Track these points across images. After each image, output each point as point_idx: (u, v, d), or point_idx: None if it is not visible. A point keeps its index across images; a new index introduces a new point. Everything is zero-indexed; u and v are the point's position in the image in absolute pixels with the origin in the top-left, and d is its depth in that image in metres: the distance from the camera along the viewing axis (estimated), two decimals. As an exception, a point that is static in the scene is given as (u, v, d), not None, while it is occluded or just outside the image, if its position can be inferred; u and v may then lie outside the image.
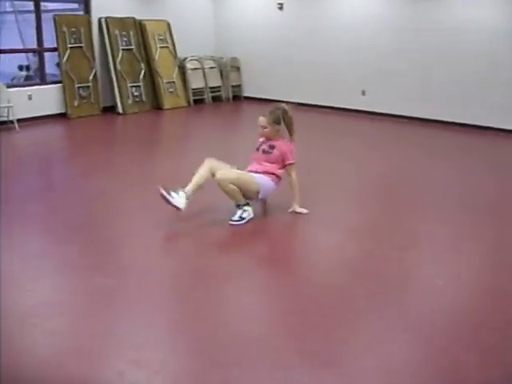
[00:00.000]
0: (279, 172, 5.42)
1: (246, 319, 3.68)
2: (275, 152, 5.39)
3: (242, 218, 5.21)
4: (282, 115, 5.43)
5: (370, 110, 11.44)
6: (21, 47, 14.43)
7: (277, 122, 5.42)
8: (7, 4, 15.50)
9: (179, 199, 5.03)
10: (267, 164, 5.37)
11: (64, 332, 3.46)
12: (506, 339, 3.41)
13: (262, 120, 5.43)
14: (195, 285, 4.09)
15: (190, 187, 5.13)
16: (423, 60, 10.55)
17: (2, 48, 11.86)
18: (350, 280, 4.23)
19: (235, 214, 5.22)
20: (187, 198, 5.07)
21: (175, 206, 5.02)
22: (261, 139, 5.57)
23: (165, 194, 5.00)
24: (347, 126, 10.61)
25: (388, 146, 8.95)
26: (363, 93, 11.51)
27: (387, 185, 6.82)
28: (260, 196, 5.35)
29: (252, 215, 5.30)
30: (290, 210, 5.48)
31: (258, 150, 5.52)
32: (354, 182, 6.87)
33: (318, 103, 12.20)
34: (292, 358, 3.17)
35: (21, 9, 14.92)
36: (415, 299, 3.98)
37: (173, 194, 5.04)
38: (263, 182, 5.32)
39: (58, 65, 10.91)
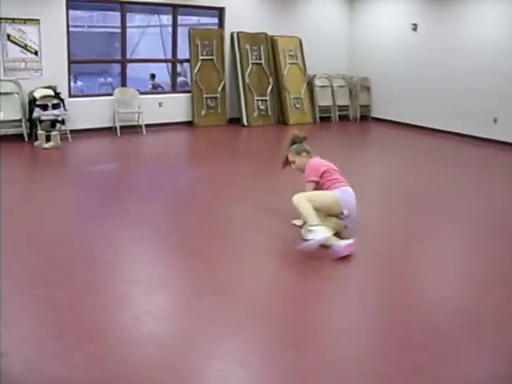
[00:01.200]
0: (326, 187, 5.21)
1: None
2: None
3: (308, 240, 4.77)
4: (297, 141, 5.50)
5: (502, 139, 10.82)
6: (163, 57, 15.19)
7: (298, 152, 5.45)
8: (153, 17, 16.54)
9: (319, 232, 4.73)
10: None
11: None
12: None
13: (289, 157, 5.49)
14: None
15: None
16: None
17: (142, 58, 12.53)
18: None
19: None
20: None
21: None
22: None
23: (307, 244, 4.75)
24: (473, 156, 10.04)
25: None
26: (495, 120, 10.92)
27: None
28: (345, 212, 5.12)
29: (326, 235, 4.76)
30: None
31: None
32: (473, 224, 6.29)
33: (447, 129, 11.74)
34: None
35: (165, 23, 15.78)
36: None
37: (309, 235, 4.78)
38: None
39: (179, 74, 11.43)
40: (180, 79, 12.69)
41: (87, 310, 3.66)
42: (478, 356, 3.43)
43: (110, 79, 16.20)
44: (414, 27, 12.18)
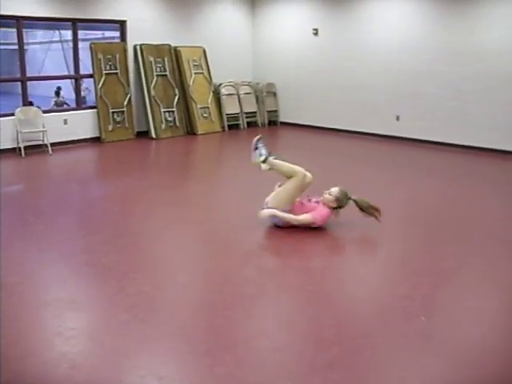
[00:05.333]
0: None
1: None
2: None
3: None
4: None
5: (404, 135, 11.27)
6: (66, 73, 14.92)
7: None
8: (55, 33, 16.20)
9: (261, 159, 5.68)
10: None
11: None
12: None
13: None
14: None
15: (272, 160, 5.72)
16: (459, 84, 10.35)
17: (47, 75, 12.26)
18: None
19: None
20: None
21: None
22: None
23: (255, 145, 5.79)
24: (380, 153, 10.41)
25: (429, 175, 8.64)
26: (397, 118, 11.36)
27: (426, 218, 6.43)
28: None
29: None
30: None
31: None
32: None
33: (353, 129, 12.12)
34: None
35: (67, 38, 15.51)
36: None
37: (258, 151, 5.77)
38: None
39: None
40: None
41: (-6, 338, 3.57)
42: (388, 344, 3.58)
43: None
44: (315, 32, 12.50)
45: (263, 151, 5.71)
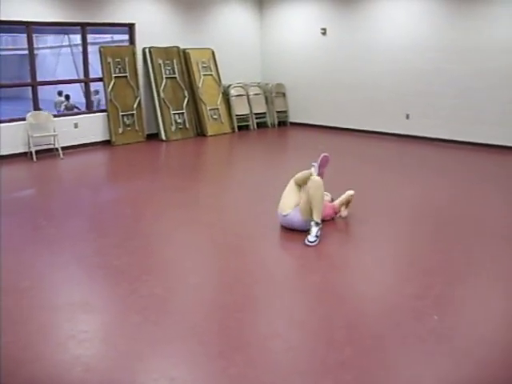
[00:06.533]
0: None
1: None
2: None
3: (317, 237, 5.32)
4: None
5: (415, 134, 11.25)
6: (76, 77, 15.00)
7: None
8: (65, 37, 16.28)
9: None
10: None
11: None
12: None
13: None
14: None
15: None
16: (467, 81, 10.33)
17: (54, 79, 12.30)
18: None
19: (310, 233, 5.35)
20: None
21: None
22: None
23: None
24: (391, 151, 10.41)
25: (443, 174, 8.62)
26: (407, 116, 11.33)
27: (437, 221, 6.36)
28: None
29: None
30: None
31: None
32: (398, 217, 6.68)
33: (364, 128, 12.10)
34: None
35: (76, 42, 15.59)
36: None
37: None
38: None
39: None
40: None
41: (7, 343, 3.59)
42: (399, 344, 3.58)
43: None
44: (324, 31, 12.49)
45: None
